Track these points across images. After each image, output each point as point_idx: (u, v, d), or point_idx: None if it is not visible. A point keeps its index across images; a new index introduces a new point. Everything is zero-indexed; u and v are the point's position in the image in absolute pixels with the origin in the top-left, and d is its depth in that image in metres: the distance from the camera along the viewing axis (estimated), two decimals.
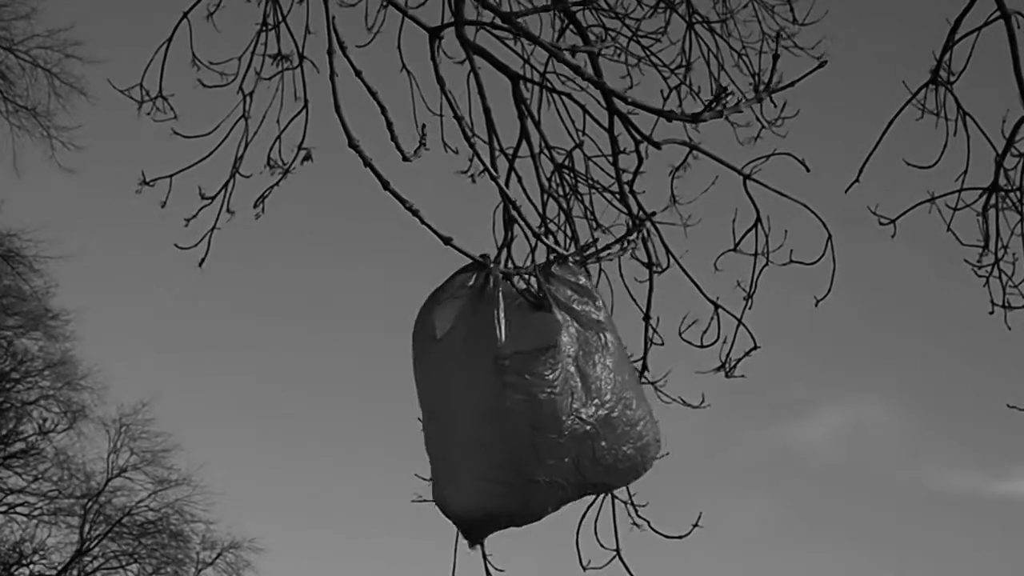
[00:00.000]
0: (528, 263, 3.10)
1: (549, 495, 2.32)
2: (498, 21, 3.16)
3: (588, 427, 2.31)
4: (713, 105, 2.53)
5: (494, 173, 2.56)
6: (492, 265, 2.38)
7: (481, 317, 2.35)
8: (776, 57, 2.68)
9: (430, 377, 2.40)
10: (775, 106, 4.45)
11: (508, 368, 2.28)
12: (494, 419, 2.29)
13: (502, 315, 2.34)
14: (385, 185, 2.48)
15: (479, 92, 3.63)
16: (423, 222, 2.41)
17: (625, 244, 3.17)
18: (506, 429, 2.28)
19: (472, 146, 2.88)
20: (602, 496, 4.08)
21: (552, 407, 2.29)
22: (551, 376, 2.29)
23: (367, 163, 2.52)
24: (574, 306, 2.40)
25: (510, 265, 2.85)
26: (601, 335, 2.40)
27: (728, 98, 2.52)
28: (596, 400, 2.34)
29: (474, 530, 2.37)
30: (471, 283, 2.38)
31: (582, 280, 2.44)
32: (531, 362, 2.29)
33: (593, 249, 2.67)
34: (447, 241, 2.40)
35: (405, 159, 2.56)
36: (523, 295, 2.40)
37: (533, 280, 2.43)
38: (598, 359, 2.37)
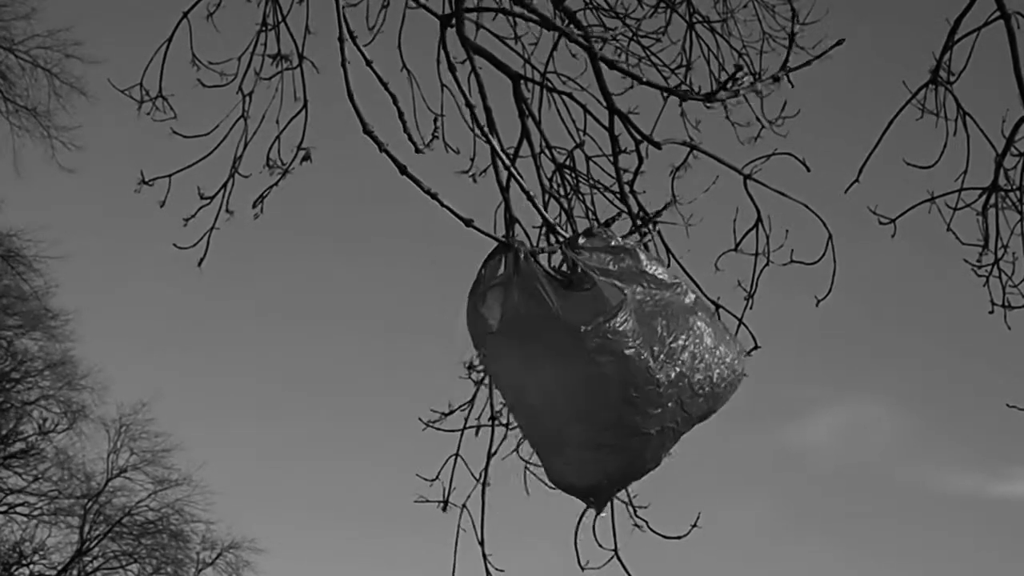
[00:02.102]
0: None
1: (662, 441, 2.35)
2: (507, 6, 3.14)
3: (677, 367, 2.33)
4: (728, 85, 2.51)
5: (506, 160, 2.55)
6: (518, 243, 2.37)
7: (526, 295, 2.35)
8: (792, 37, 2.67)
9: (503, 369, 2.41)
10: (792, 86, 4.43)
11: (587, 334, 2.29)
12: (588, 387, 2.30)
13: (546, 284, 2.34)
14: (403, 170, 2.46)
15: (480, 92, 3.62)
16: (443, 204, 2.40)
17: (642, 235, 3.18)
18: (603, 393, 2.29)
19: (486, 135, 2.86)
20: None
21: (640, 361, 2.31)
22: (627, 328, 2.31)
23: (382, 148, 2.50)
24: (610, 267, 2.40)
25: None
26: (646, 283, 2.40)
27: (744, 78, 2.50)
28: (673, 342, 2.36)
29: (599, 496, 2.40)
30: (503, 268, 2.38)
31: (612, 242, 2.43)
32: (604, 324, 2.30)
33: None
34: (468, 223, 2.40)
35: (418, 150, 2.55)
36: (552, 274, 2.40)
37: (564, 252, 2.43)
38: (661, 304, 2.39)
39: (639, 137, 3.62)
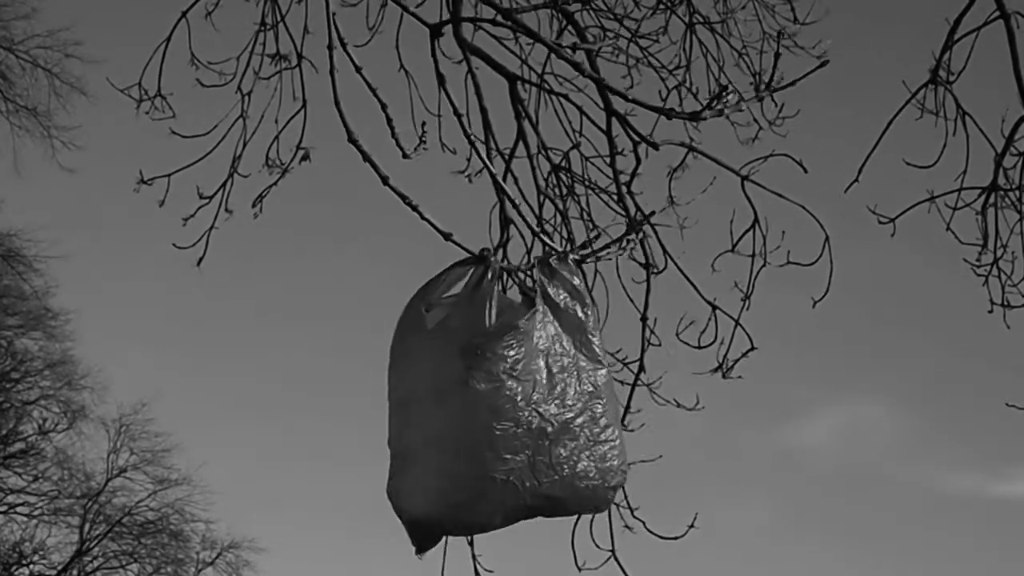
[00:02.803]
0: (525, 262, 3.07)
1: (503, 496, 2.23)
2: (499, 18, 3.15)
3: (547, 425, 2.23)
4: (713, 104, 2.51)
5: (493, 170, 2.55)
6: (492, 259, 2.33)
7: (474, 309, 2.29)
8: (777, 56, 2.67)
9: (404, 367, 2.35)
10: (775, 105, 4.45)
11: (470, 350, 2.23)
12: (456, 402, 2.23)
13: (494, 306, 2.29)
14: (384, 180, 2.47)
15: (476, 92, 3.63)
16: (423, 217, 2.39)
17: (624, 244, 3.15)
18: (466, 414, 2.22)
19: (472, 144, 2.86)
20: None
21: (512, 391, 2.22)
22: (513, 355, 2.23)
23: (366, 158, 2.51)
24: (562, 305, 2.34)
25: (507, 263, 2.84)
26: (582, 340, 2.33)
27: (729, 96, 2.50)
28: (559, 401, 2.26)
29: (424, 535, 2.30)
30: (468, 278, 2.33)
31: (577, 281, 2.37)
32: (494, 342, 2.23)
33: (591, 248, 2.63)
34: (447, 236, 2.39)
35: (405, 156, 2.54)
36: (522, 291, 2.37)
37: (531, 277, 2.40)
38: (570, 363, 2.30)
39: (636, 138, 3.62)
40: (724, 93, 2.49)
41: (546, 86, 3.99)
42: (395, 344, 2.37)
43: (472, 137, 2.97)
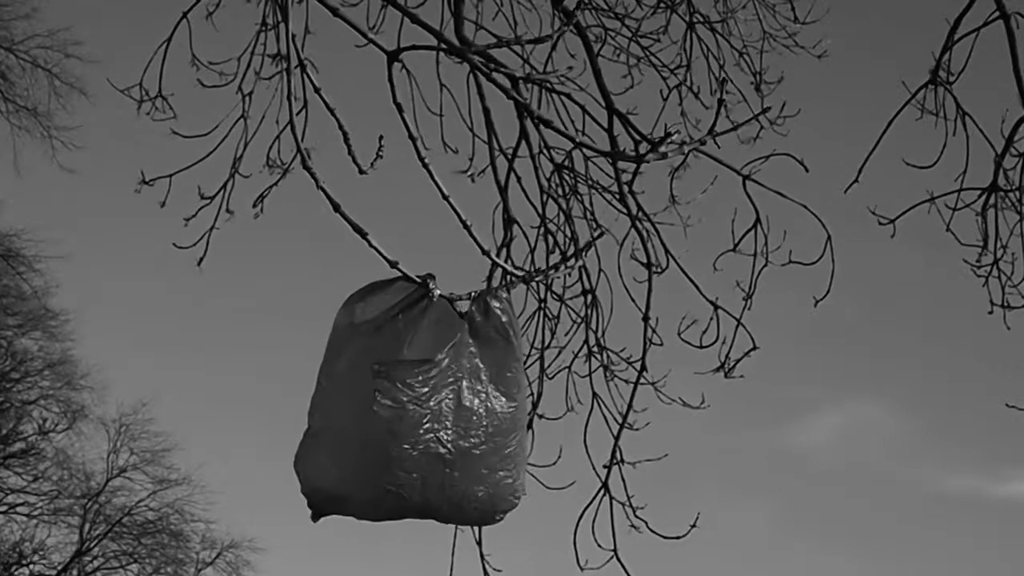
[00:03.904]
0: (526, 264, 3.08)
1: (394, 503, 2.38)
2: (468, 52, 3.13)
3: (443, 450, 2.36)
4: (656, 148, 2.53)
5: (445, 192, 2.58)
6: (432, 288, 2.44)
7: (398, 331, 2.41)
8: (721, 102, 2.67)
9: (333, 355, 2.47)
10: (718, 147, 4.47)
11: (381, 373, 2.35)
12: (363, 413, 2.35)
13: (415, 335, 2.41)
14: (336, 208, 2.51)
15: (478, 92, 3.63)
16: (371, 245, 2.47)
17: (566, 266, 3.24)
18: (369, 428, 2.34)
19: (426, 165, 2.84)
20: (599, 496, 4.09)
21: (414, 418, 2.35)
22: (420, 389, 2.36)
23: (319, 185, 2.55)
24: (489, 339, 2.46)
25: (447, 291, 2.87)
26: (501, 376, 2.45)
27: (673, 138, 2.52)
28: (463, 431, 2.39)
29: (322, 508, 2.43)
30: (408, 293, 2.45)
31: (505, 318, 2.48)
32: (406, 371, 2.36)
33: (544, 271, 2.70)
34: (393, 264, 2.46)
35: (361, 172, 2.58)
36: (457, 313, 2.46)
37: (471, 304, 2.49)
38: (484, 397, 2.42)
39: (638, 137, 3.62)
40: (668, 138, 2.51)
41: (547, 85, 3.99)
42: (333, 331, 2.49)
43: (425, 161, 2.95)
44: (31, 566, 22.79)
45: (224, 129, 4.34)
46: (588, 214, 4.18)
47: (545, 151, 4.07)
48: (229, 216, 4.36)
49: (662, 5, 4.68)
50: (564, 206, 4.04)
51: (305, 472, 2.43)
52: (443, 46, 2.99)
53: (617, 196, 4.02)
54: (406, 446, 2.34)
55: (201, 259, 4.33)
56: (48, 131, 20.03)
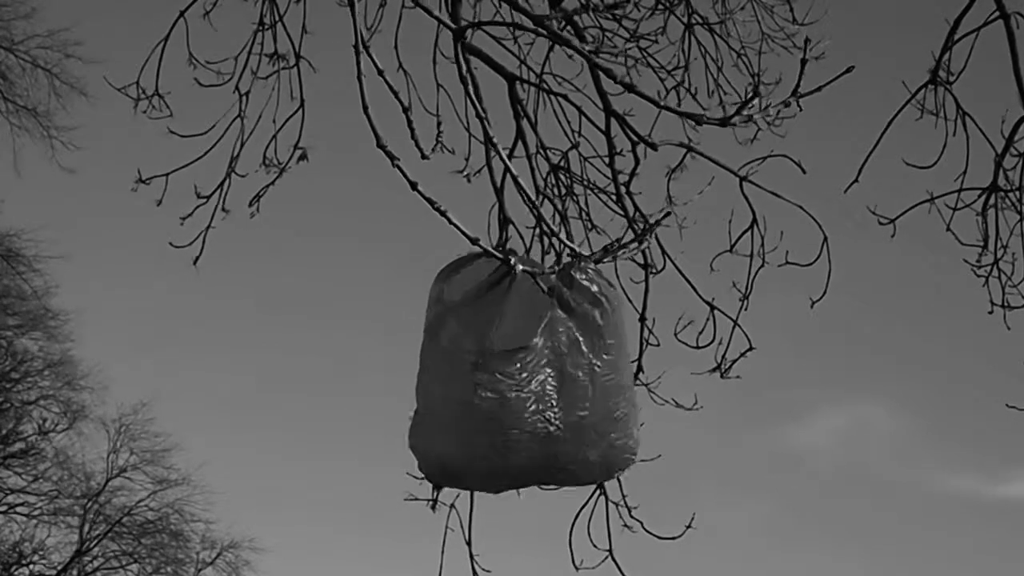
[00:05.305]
0: (550, 267, 3.08)
1: (507, 479, 2.44)
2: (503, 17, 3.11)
3: (552, 428, 2.38)
4: (742, 110, 2.51)
5: (514, 172, 2.56)
6: (515, 263, 2.44)
7: (487, 307, 2.42)
8: (804, 62, 2.65)
9: (428, 339, 2.50)
10: (800, 110, 4.44)
11: (479, 365, 2.37)
12: (466, 410, 2.38)
13: (503, 314, 2.40)
14: (413, 186, 2.47)
15: (475, 93, 3.61)
16: (451, 222, 2.42)
17: (642, 242, 3.22)
18: (476, 421, 2.37)
19: (495, 146, 2.84)
20: (595, 496, 4.08)
21: (518, 404, 2.36)
22: (520, 376, 2.37)
23: (395, 163, 2.50)
24: (580, 311, 2.46)
25: (530, 265, 2.85)
26: (600, 344, 2.44)
27: (756, 102, 2.50)
28: (569, 405, 2.40)
29: (440, 483, 2.51)
30: (492, 270, 2.46)
31: (595, 288, 2.49)
32: (504, 362, 2.37)
33: (614, 247, 2.69)
34: (474, 241, 2.44)
35: (424, 157, 2.55)
36: (542, 289, 2.45)
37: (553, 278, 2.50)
38: (588, 368, 2.43)
39: (635, 138, 3.61)
40: (752, 99, 2.50)
41: (544, 86, 3.99)
42: (428, 308, 2.52)
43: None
44: (31, 566, 22.80)
45: (221, 128, 4.35)
46: (584, 215, 4.18)
47: (542, 152, 4.06)
48: (226, 215, 4.36)
49: (660, 6, 4.67)
50: (560, 207, 4.03)
51: (421, 450, 2.48)
52: (516, 21, 2.96)
53: (614, 197, 4.01)
54: (514, 431, 2.36)
55: (197, 258, 4.34)
56: (48, 131, 20.04)
